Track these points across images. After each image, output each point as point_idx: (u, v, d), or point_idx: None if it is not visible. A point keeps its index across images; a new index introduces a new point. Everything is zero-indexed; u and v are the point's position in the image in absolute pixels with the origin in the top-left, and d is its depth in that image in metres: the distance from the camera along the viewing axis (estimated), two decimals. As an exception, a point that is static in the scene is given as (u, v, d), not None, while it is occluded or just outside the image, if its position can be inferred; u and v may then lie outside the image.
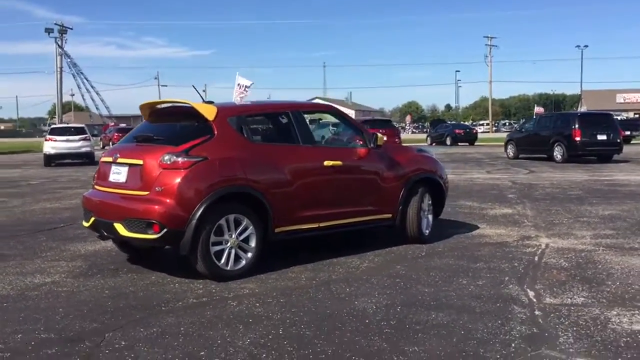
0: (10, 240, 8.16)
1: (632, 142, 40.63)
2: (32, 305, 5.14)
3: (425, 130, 73.92)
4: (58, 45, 52.10)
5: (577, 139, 22.72)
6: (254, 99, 8.62)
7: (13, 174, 21.22)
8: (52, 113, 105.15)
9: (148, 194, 5.73)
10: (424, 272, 6.13)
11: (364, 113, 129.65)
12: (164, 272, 6.19)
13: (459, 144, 44.42)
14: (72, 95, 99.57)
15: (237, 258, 5.94)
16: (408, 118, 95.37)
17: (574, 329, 4.43)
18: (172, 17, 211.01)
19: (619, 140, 23.19)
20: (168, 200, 5.61)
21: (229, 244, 5.86)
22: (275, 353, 3.97)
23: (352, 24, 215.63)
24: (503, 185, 14.87)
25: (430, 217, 7.80)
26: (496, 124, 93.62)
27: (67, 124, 39.73)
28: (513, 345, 4.12)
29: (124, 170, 6.01)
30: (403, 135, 75.12)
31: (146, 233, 5.66)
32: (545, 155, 24.14)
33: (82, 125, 29.07)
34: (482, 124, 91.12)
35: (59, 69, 52.93)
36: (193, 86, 6.60)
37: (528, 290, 5.49)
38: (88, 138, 26.59)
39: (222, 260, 5.81)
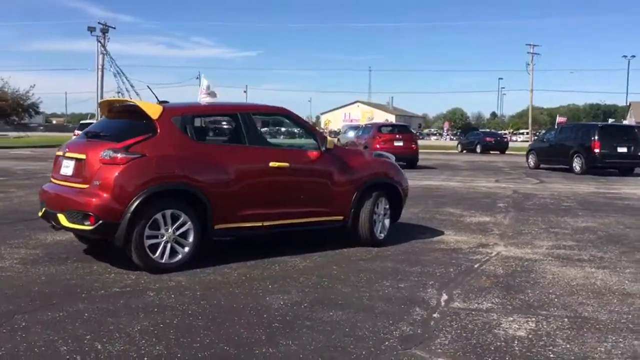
0: (-10, 228, 8.60)
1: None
2: (-31, 287, 5.50)
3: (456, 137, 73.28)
4: (100, 43, 53.56)
5: (596, 150, 22.37)
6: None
7: (36, 166, 22.02)
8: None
9: (88, 187, 6.05)
10: (355, 274, 6.28)
11: (404, 119, 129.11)
12: (110, 263, 6.46)
13: (491, 152, 44.01)
14: (118, 92, 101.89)
15: (174, 252, 6.20)
16: (446, 125, 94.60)
17: (458, 332, 4.54)
18: (222, 18, 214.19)
19: (640, 154, 22.73)
20: (104, 194, 5.91)
21: (164, 238, 6.12)
22: (155, 340, 4.20)
23: (398, 27, 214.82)
24: (502, 194, 14.82)
25: (387, 221, 7.93)
26: (537, 133, 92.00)
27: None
28: (386, 343, 4.27)
29: (71, 164, 6.35)
30: (439, 142, 74.80)
31: (83, 224, 5.98)
32: (566, 166, 23.80)
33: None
34: (522, 133, 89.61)
35: (100, 67, 54.34)
36: (148, 86, 6.90)
37: (444, 294, 5.60)
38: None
39: (157, 254, 6.08)
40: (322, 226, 7.47)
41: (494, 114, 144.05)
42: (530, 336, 4.49)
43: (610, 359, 4.09)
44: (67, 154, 6.44)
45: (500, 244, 8.17)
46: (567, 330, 4.63)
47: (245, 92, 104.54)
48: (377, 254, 7.33)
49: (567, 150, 23.61)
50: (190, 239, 6.28)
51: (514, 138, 78.34)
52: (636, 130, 25.11)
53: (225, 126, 7.05)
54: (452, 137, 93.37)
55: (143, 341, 4.18)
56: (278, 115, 8.07)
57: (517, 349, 4.22)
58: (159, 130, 6.26)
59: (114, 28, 56.56)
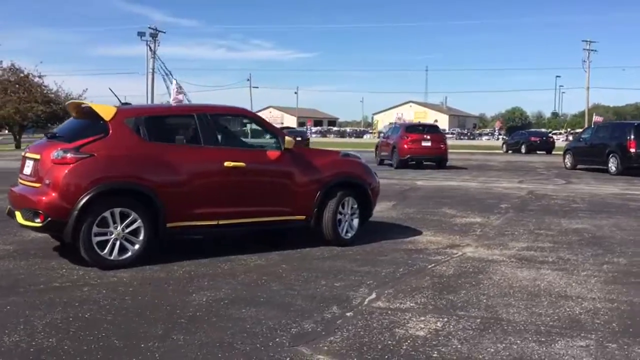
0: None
1: None
2: None
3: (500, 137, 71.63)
4: (150, 48, 55.14)
5: (632, 150, 21.57)
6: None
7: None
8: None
9: (40, 186, 6.33)
10: (297, 272, 6.35)
11: (459, 119, 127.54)
12: (70, 260, 6.69)
13: (537, 152, 42.98)
14: (179, 94, 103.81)
15: (123, 249, 6.40)
16: (497, 124, 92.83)
17: (357, 330, 4.57)
18: (280, 21, 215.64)
19: (680, 153, 21.76)
20: (53, 193, 6.18)
21: (113, 235, 6.33)
22: (54, 333, 4.39)
23: (453, 26, 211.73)
24: (514, 195, 14.53)
25: (355, 220, 7.95)
26: (573, 133, 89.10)
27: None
28: (277, 340, 4.34)
29: (31, 164, 6.65)
30: (490, 142, 73.35)
31: (33, 221, 6.27)
32: (603, 167, 23.06)
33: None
34: (577, 132, 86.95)
35: (150, 71, 55.90)
36: (109, 88, 7.14)
37: (373, 294, 5.61)
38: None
39: (106, 250, 6.30)
40: (284, 225, 7.56)
41: (555, 114, 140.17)
42: (428, 336, 4.47)
43: (492, 359, 4.04)
44: (27, 155, 6.76)
45: (473, 245, 8.07)
46: (470, 331, 4.59)
47: (295, 93, 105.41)
48: (337, 253, 7.37)
49: (603, 150, 22.86)
50: (141, 236, 6.47)
51: (570, 138, 76.14)
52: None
53: (176, 127, 7.20)
54: (504, 136, 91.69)
55: (42, 334, 4.37)
56: (239, 116, 8.20)
57: (404, 348, 4.22)
58: (110, 131, 6.49)
59: (164, 32, 58.11)
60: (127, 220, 6.39)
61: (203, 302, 5.25)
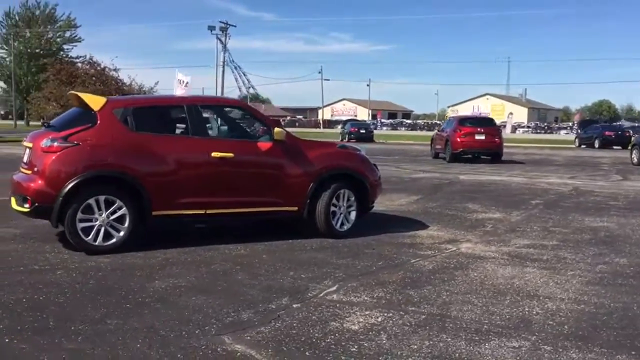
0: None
1: None
2: None
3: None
4: (220, 41, 56.38)
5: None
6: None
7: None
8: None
9: (30, 173, 6.62)
10: (273, 263, 6.38)
11: (539, 112, 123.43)
12: (64, 245, 6.96)
13: (613, 147, 41.01)
14: (249, 88, 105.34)
15: (108, 235, 6.61)
16: (576, 117, 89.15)
17: (293, 322, 4.56)
18: (359, 12, 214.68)
19: None
20: (40, 180, 6.46)
21: (98, 222, 6.55)
22: (3, 312, 4.60)
23: (533, 15, 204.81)
24: (554, 191, 13.98)
25: (353, 213, 7.89)
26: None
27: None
28: (206, 328, 4.39)
29: (27, 152, 6.97)
30: (568, 136, 70.38)
31: (23, 206, 6.57)
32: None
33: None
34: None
35: (221, 64, 57.15)
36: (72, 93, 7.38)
37: (334, 286, 5.57)
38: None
39: (90, 236, 6.52)
40: (274, 216, 7.60)
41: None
42: (359, 330, 4.41)
43: (410, 356, 3.94)
44: (24, 143, 7.08)
45: (473, 241, 7.85)
46: (406, 327, 4.49)
47: (368, 85, 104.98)
48: (326, 245, 7.34)
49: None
50: (126, 223, 6.66)
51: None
52: None
53: (164, 118, 7.34)
54: (577, 130, 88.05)
55: (-10, 312, 4.59)
56: (233, 107, 8.27)
57: (326, 341, 4.18)
58: (98, 121, 6.71)
59: (235, 26, 59.22)
60: (112, 208, 6.59)
61: (160, 288, 5.36)
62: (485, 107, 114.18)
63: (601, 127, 45.54)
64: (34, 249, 6.84)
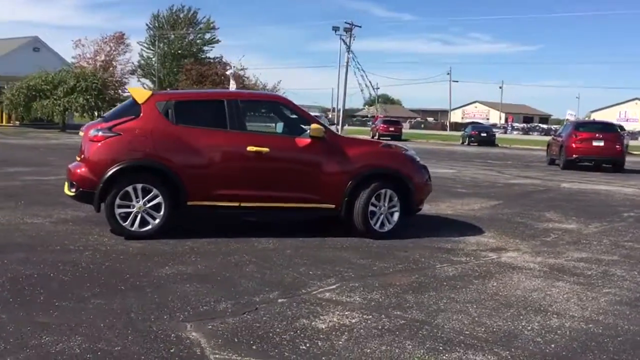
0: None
1: None
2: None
3: None
4: (344, 42, 56.79)
5: None
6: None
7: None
8: (366, 104, 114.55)
9: (79, 160, 7.12)
10: (291, 258, 6.38)
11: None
12: (110, 229, 7.39)
13: None
14: (377, 88, 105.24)
15: (144, 221, 6.94)
16: None
17: (265, 316, 4.56)
18: (500, 11, 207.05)
19: None
20: (85, 167, 6.93)
21: (135, 208, 6.89)
22: (7, 285, 4.99)
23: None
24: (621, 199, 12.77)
25: (396, 214, 7.70)
26: None
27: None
28: (176, 314, 4.50)
29: (81, 141, 7.48)
30: None
31: (70, 191, 7.08)
32: None
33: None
34: None
35: (344, 64, 57.54)
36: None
37: (333, 285, 5.49)
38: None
39: (128, 222, 6.89)
40: (311, 213, 7.59)
41: None
42: (324, 330, 4.33)
43: (358, 359, 3.81)
44: (80, 134, 7.59)
45: (522, 250, 7.40)
46: (374, 331, 4.34)
47: (500, 87, 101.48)
48: (358, 245, 7.23)
49: None
50: (161, 211, 6.96)
51: None
52: None
53: (204, 112, 7.54)
54: None
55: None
56: (276, 103, 8.29)
57: (282, 337, 4.15)
58: (141, 114, 7.06)
59: (360, 27, 59.33)
60: (149, 196, 6.91)
61: (164, 275, 5.56)
62: (633, 112, 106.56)
63: None
64: (82, 230, 7.32)
